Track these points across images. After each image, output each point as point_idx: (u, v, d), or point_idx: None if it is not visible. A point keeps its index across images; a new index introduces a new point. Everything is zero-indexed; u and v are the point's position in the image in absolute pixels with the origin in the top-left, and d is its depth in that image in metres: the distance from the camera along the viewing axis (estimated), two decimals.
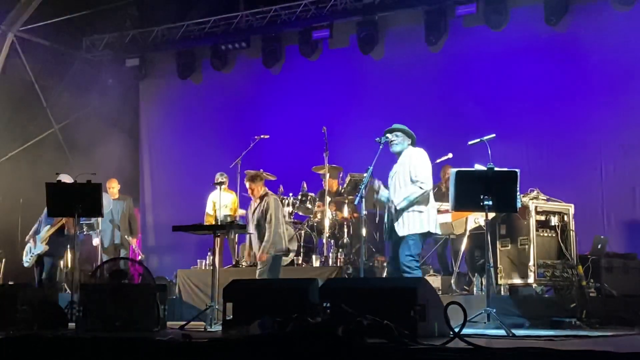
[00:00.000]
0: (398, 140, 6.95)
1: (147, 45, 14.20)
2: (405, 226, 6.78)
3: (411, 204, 6.77)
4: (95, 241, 10.81)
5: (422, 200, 6.84)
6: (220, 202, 9.89)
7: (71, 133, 13.78)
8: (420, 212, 6.81)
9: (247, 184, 8.79)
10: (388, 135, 6.97)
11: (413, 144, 7.03)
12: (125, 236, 10.76)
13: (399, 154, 6.97)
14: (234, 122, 13.46)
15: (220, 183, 9.74)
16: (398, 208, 6.79)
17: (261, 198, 8.66)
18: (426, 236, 7.03)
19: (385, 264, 8.89)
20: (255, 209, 8.66)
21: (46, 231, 9.34)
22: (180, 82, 14.19)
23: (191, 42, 13.96)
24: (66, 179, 9.06)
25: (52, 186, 7.86)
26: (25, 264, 9.54)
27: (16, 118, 12.98)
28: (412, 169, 6.83)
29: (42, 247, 9.31)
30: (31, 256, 9.40)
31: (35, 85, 13.55)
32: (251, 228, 8.58)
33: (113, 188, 11.06)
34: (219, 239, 7.96)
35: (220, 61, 13.73)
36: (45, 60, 13.48)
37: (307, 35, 12.86)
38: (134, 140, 14.82)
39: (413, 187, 6.79)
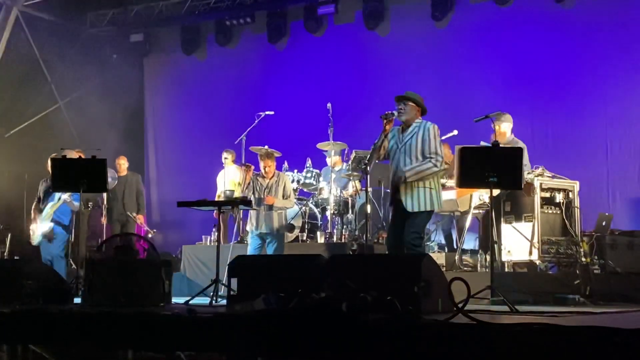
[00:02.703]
0: (407, 110, 6.86)
1: (152, 21, 14.15)
2: (415, 203, 6.71)
3: (420, 179, 6.72)
4: (102, 218, 10.86)
5: (433, 177, 6.80)
6: (226, 179, 9.93)
7: (76, 108, 13.78)
8: (432, 189, 6.76)
9: (265, 161, 8.82)
10: (397, 105, 6.88)
11: (423, 115, 6.96)
12: (132, 213, 10.79)
13: (407, 123, 6.91)
14: (239, 98, 13.44)
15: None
16: (408, 180, 6.73)
17: (275, 175, 8.78)
18: (432, 213, 7.03)
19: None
20: (269, 185, 8.72)
21: (50, 207, 9.35)
22: (184, 58, 14.17)
23: (196, 18, 13.90)
24: (71, 154, 9.07)
25: (57, 161, 7.86)
26: (34, 243, 9.55)
27: (21, 93, 12.98)
28: (427, 145, 6.74)
29: (48, 225, 9.32)
30: (39, 234, 9.41)
31: (40, 61, 13.52)
32: (257, 204, 8.60)
33: (122, 165, 11.08)
34: (223, 214, 7.99)
35: (225, 37, 13.69)
36: (49, 36, 13.44)
37: (312, 10, 12.80)
38: (138, 116, 14.82)
39: (427, 163, 6.72)
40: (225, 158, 10.97)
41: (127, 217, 10.82)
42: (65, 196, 8.99)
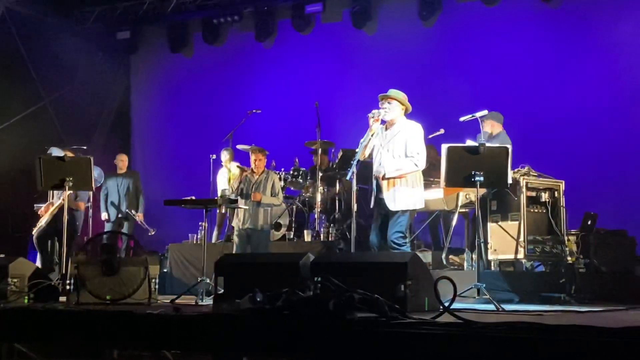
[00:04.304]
0: (390, 108, 6.87)
1: (138, 18, 14.10)
2: (397, 202, 6.74)
3: (402, 177, 6.73)
4: (104, 215, 10.82)
5: (415, 176, 6.82)
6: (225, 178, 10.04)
7: (61, 106, 13.70)
8: (413, 188, 6.79)
9: (256, 154, 8.81)
10: (381, 104, 6.90)
11: (406, 113, 6.97)
12: (132, 210, 10.73)
13: (391, 122, 6.92)
14: (226, 97, 13.41)
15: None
16: (387, 177, 6.75)
17: (264, 172, 8.79)
18: (414, 212, 7.05)
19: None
20: (258, 181, 8.71)
21: (56, 206, 9.43)
22: (171, 56, 14.13)
23: (183, 15, 13.87)
24: (57, 152, 9.05)
25: (43, 160, 7.83)
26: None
27: (6, 91, 12.89)
28: (409, 144, 6.76)
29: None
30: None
31: (26, 58, 13.44)
32: (242, 202, 8.58)
33: (122, 162, 11.03)
34: (210, 213, 7.99)
35: (212, 35, 13.66)
36: (35, 33, 13.36)
37: (299, 9, 12.79)
38: (124, 114, 14.76)
39: (408, 162, 6.75)
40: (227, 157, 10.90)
41: (126, 215, 10.77)
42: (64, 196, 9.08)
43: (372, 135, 6.86)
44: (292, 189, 10.55)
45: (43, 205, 9.71)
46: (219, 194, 10.43)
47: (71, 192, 9.13)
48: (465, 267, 8.17)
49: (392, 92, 6.95)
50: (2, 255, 10.65)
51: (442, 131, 8.94)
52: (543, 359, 3.42)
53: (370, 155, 6.97)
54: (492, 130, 8.40)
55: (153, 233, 11.03)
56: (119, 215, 10.78)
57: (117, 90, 14.64)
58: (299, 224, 10.03)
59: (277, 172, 10.05)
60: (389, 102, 6.88)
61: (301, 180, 10.28)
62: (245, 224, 8.65)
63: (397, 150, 6.79)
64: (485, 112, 8.23)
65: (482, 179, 6.50)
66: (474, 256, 7.53)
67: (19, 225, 12.47)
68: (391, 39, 12.10)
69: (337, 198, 10.00)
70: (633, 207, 10.00)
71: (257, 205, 8.63)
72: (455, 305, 4.54)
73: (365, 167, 8.51)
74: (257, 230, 8.66)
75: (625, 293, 7.49)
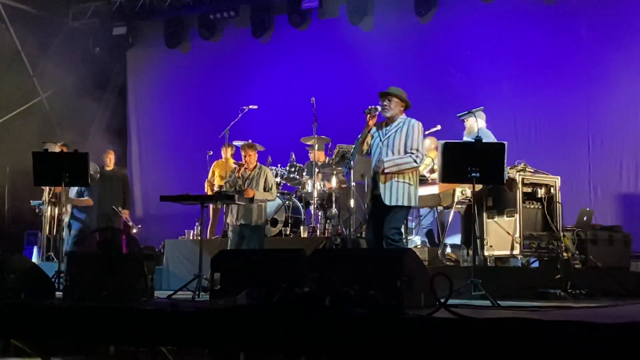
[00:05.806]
0: (391, 106, 6.89)
1: (135, 14, 14.09)
2: (394, 197, 6.73)
3: (399, 173, 6.74)
4: None
5: (412, 173, 6.82)
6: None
7: (58, 102, 13.68)
8: (410, 184, 6.79)
9: (246, 151, 8.81)
10: (381, 101, 6.91)
11: (406, 110, 6.98)
12: (117, 207, 10.71)
13: (390, 118, 6.92)
14: (222, 92, 13.41)
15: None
16: (386, 171, 6.75)
17: (256, 167, 8.77)
18: (410, 209, 7.06)
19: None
20: (251, 177, 8.71)
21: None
22: (168, 51, 14.11)
23: (179, 11, 13.86)
24: (53, 148, 9.04)
25: (39, 155, 7.82)
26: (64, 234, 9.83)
27: (2, 86, 12.88)
28: (409, 141, 6.75)
29: (66, 217, 9.53)
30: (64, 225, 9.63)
31: (22, 54, 13.42)
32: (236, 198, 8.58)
33: (110, 159, 11.00)
34: (206, 209, 7.98)
35: (209, 30, 13.65)
36: (32, 28, 13.34)
37: (296, 5, 12.79)
38: (121, 109, 14.74)
39: (408, 158, 6.75)
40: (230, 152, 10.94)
41: (111, 211, 10.75)
42: (72, 194, 9.18)
43: (368, 132, 6.86)
44: (288, 184, 10.55)
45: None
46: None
47: (75, 189, 9.27)
48: (461, 263, 8.17)
49: (392, 89, 6.95)
50: None
51: (439, 127, 8.95)
52: (538, 354, 3.42)
53: (369, 151, 6.97)
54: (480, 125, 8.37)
55: (136, 231, 11.02)
56: (105, 212, 10.77)
57: (113, 85, 14.61)
58: (295, 219, 10.03)
59: (273, 167, 10.05)
60: (388, 100, 6.88)
61: (297, 176, 10.28)
62: (239, 220, 8.64)
63: (396, 145, 6.79)
64: (481, 108, 8.24)
65: (478, 175, 6.50)
66: (470, 252, 7.53)
67: (15, 221, 12.47)
68: (387, 34, 12.09)
69: (333, 194, 9.99)
70: (628, 203, 10.02)
71: (251, 200, 8.62)
72: (451, 301, 4.55)
73: (362, 163, 8.52)
74: (251, 226, 8.66)
75: (620, 289, 7.51)
